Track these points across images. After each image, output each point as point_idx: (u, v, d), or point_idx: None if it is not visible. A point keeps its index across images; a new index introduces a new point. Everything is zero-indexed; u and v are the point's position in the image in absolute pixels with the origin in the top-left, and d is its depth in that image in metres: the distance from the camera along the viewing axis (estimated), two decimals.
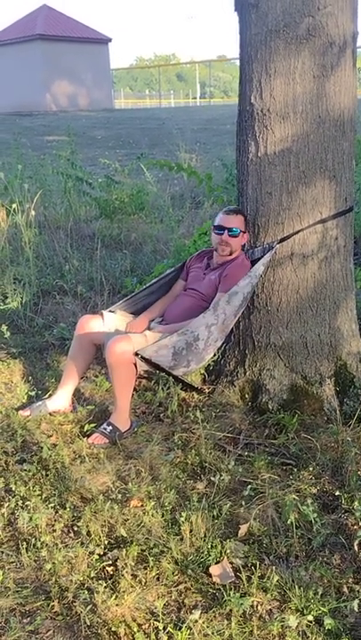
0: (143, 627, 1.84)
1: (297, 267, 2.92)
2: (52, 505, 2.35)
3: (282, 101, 2.74)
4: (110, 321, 3.09)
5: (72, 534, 2.24)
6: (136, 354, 2.70)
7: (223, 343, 3.04)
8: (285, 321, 2.99)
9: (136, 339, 2.82)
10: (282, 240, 2.88)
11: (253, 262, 2.96)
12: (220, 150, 10.48)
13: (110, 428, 2.81)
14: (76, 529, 2.25)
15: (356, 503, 2.28)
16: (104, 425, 2.83)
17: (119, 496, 2.40)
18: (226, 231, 2.96)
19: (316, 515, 2.20)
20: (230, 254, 3.01)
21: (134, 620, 1.85)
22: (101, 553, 2.13)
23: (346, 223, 2.98)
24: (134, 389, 3.19)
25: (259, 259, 2.93)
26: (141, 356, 2.71)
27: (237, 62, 2.98)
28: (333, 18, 2.67)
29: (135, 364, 2.76)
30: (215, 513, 2.28)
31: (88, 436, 2.81)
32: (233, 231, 2.95)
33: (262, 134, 2.82)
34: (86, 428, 2.85)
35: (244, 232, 2.99)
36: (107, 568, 2.07)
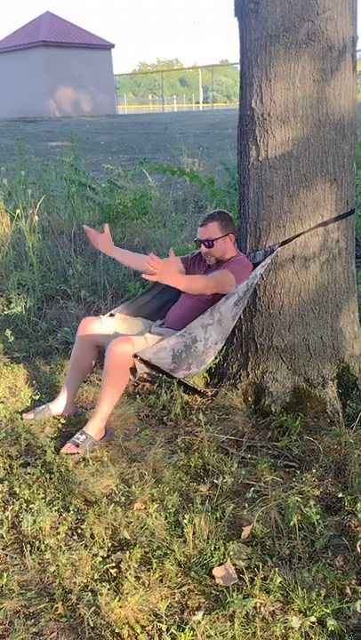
0: (146, 628, 1.84)
1: (299, 269, 2.93)
2: (56, 508, 2.36)
3: (282, 105, 2.76)
4: (109, 325, 3.10)
5: (76, 537, 2.25)
6: (135, 356, 2.71)
7: (224, 346, 3.04)
8: (288, 324, 3.00)
9: (137, 341, 2.83)
10: (283, 243, 2.89)
11: (255, 266, 2.97)
12: (222, 155, 10.51)
13: (83, 437, 2.76)
14: (79, 531, 2.26)
15: (359, 505, 2.28)
16: (77, 434, 2.78)
17: (122, 499, 2.41)
18: (202, 244, 3.01)
19: (319, 516, 2.21)
20: (218, 261, 3.03)
21: (138, 622, 1.86)
22: (105, 555, 2.14)
23: (347, 226, 2.99)
24: (137, 393, 3.22)
25: (260, 262, 2.94)
26: (140, 358, 2.72)
27: (240, 67, 3.00)
28: (333, 22, 2.69)
29: (132, 369, 2.75)
30: (218, 515, 2.29)
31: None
32: (207, 242, 2.99)
33: (263, 138, 2.84)
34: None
35: (223, 236, 2.98)
36: (110, 570, 2.08)
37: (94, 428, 2.79)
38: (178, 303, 3.15)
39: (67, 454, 2.70)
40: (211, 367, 3.20)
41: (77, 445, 2.73)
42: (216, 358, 3.09)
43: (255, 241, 3.02)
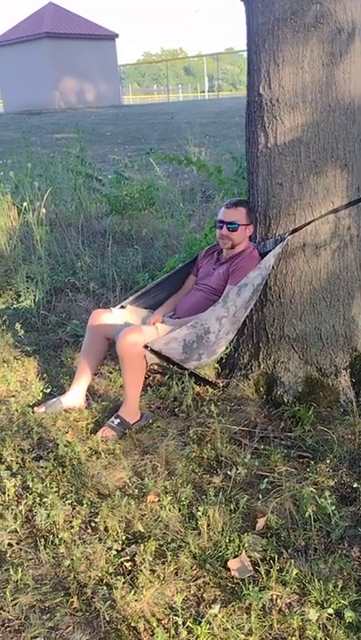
0: (163, 622, 1.83)
1: (310, 257, 2.89)
2: (70, 501, 2.35)
3: (291, 91, 2.71)
4: (120, 316, 3.09)
5: (90, 530, 2.24)
6: (145, 346, 2.70)
7: (235, 336, 3.02)
8: (299, 313, 2.96)
9: (147, 331, 2.81)
10: (294, 231, 2.85)
11: (265, 254, 2.93)
12: (229, 143, 10.42)
13: (118, 420, 2.82)
14: (93, 525, 2.25)
15: None
16: (112, 418, 2.84)
17: (136, 491, 2.40)
18: (225, 225, 2.95)
19: (334, 507, 2.19)
20: (232, 247, 3.00)
21: (153, 616, 1.85)
22: (119, 548, 2.13)
23: (359, 212, 2.94)
24: (148, 385, 3.20)
25: (270, 251, 2.91)
26: (151, 349, 2.70)
27: (245, 54, 2.95)
28: (341, 4, 2.63)
29: (145, 357, 2.75)
30: (232, 507, 2.28)
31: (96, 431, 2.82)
32: (231, 225, 2.94)
33: (272, 125, 2.79)
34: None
35: (247, 224, 2.97)
36: (125, 563, 2.07)
37: (128, 411, 2.83)
38: (189, 295, 3.13)
39: (103, 437, 2.75)
40: (222, 358, 3.17)
41: (113, 429, 2.77)
42: (227, 348, 3.06)
43: (265, 229, 2.98)
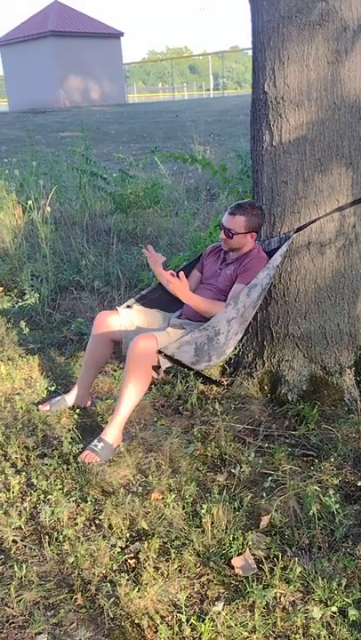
0: (166, 619, 1.84)
1: (314, 256, 2.89)
2: (74, 499, 2.36)
3: (296, 89, 2.70)
4: (127, 317, 3.07)
5: (94, 527, 2.25)
6: (159, 352, 2.66)
7: (243, 336, 3.01)
8: (304, 311, 2.96)
9: (160, 336, 2.78)
10: (299, 229, 2.84)
11: (270, 253, 2.93)
12: (234, 142, 10.42)
13: (102, 444, 2.63)
14: (97, 522, 2.26)
15: None
16: (95, 442, 2.67)
17: (140, 489, 2.41)
18: (222, 231, 2.95)
19: (338, 506, 2.19)
20: (231, 250, 2.99)
21: (157, 613, 1.85)
22: (123, 546, 2.13)
23: None
24: (153, 383, 3.20)
25: (275, 249, 2.90)
26: (164, 354, 2.68)
27: (250, 52, 2.94)
28: (347, 1, 2.62)
29: (155, 367, 2.71)
30: (236, 505, 2.28)
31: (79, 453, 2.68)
32: (229, 232, 2.92)
33: (277, 123, 2.79)
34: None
35: (246, 232, 2.90)
36: (129, 561, 2.07)
37: (112, 434, 2.66)
38: (196, 294, 3.11)
39: (83, 462, 2.60)
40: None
41: (97, 453, 2.62)
42: (236, 349, 3.05)
43: (270, 227, 2.97)
